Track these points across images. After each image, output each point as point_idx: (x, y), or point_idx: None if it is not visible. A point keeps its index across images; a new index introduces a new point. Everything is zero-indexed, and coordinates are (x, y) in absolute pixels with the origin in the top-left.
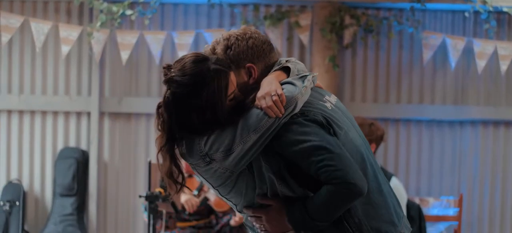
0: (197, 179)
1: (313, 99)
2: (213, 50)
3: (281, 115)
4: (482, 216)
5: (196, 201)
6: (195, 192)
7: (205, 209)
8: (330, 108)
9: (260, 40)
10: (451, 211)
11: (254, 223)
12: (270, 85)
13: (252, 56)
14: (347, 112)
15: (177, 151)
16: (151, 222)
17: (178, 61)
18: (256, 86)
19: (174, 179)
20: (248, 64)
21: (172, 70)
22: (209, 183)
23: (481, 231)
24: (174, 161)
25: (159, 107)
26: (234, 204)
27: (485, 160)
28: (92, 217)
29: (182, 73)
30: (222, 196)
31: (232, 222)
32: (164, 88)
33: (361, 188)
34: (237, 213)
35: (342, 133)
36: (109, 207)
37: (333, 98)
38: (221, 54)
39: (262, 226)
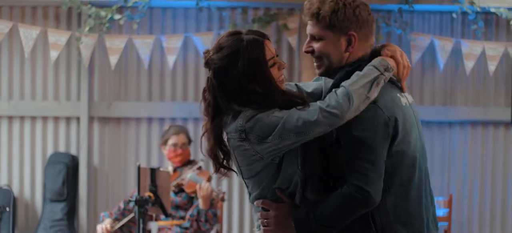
0: (179, 172)
1: (392, 91)
2: (318, 9)
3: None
4: (472, 216)
5: (108, 229)
6: (173, 183)
7: (189, 204)
8: (404, 105)
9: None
10: (441, 212)
11: (259, 216)
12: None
13: (357, 24)
14: (417, 114)
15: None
16: (141, 226)
17: (214, 43)
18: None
19: (217, 160)
20: (351, 32)
21: (210, 52)
22: (236, 160)
23: (471, 232)
24: (218, 142)
25: (204, 91)
26: (249, 192)
27: (474, 161)
28: (83, 222)
29: (218, 48)
30: (243, 178)
31: (201, 205)
32: (156, 92)
33: (374, 199)
34: (202, 189)
35: (403, 134)
36: (99, 212)
37: (410, 97)
38: (327, 16)
39: (266, 221)
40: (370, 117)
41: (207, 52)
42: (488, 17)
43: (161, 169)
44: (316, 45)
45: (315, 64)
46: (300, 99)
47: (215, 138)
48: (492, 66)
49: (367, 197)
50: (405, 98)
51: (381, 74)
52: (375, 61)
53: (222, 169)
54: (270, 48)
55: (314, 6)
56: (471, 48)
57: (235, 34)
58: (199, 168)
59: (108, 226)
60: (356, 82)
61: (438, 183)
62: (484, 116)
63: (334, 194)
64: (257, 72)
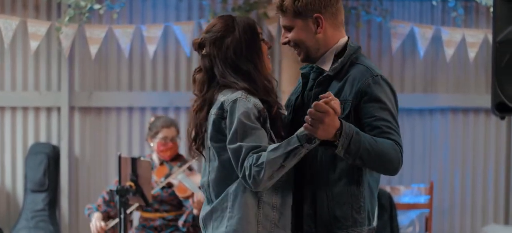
0: (167, 167)
1: None
2: (282, 1)
3: None
4: (453, 203)
5: (102, 227)
6: (162, 179)
7: (175, 200)
8: None
9: None
10: (422, 199)
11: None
12: None
13: (320, 6)
14: None
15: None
16: (122, 216)
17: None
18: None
19: (197, 134)
20: (316, 14)
21: (201, 35)
22: (210, 136)
23: (452, 218)
24: (207, 116)
25: (194, 73)
26: (208, 171)
27: (455, 148)
28: (64, 212)
29: (210, 28)
30: (208, 159)
31: (195, 212)
32: (136, 82)
33: (399, 168)
34: (197, 200)
35: None
36: (81, 202)
37: None
38: (291, 6)
39: (314, 120)
40: (385, 89)
41: (196, 38)
42: (467, 4)
43: (142, 158)
44: (289, 35)
45: (296, 52)
46: (275, 95)
47: (206, 111)
48: (472, 53)
49: (399, 162)
50: None
51: (301, 146)
52: (300, 131)
53: (193, 149)
54: (259, 27)
55: (279, 1)
56: (451, 35)
57: (226, 15)
58: (189, 168)
59: (102, 224)
60: (276, 149)
61: (419, 170)
62: (464, 103)
63: (383, 140)
64: (251, 40)
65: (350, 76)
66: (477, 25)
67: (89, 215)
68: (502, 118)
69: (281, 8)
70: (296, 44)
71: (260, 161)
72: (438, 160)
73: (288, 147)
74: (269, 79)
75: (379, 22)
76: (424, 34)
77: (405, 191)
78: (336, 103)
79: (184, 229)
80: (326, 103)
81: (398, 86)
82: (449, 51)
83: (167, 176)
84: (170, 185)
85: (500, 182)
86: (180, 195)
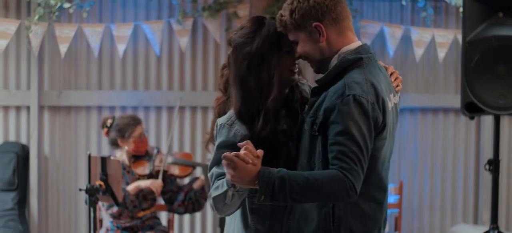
0: (144, 159)
1: (384, 91)
2: (281, 17)
3: None
4: (423, 203)
5: (160, 183)
6: (149, 170)
7: (149, 196)
8: (390, 109)
9: None
10: (392, 199)
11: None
12: None
13: (316, 14)
14: (396, 117)
15: None
16: (92, 215)
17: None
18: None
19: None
20: (315, 23)
21: (234, 31)
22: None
23: (421, 218)
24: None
25: (223, 67)
26: None
27: (424, 148)
28: (34, 211)
29: (240, 28)
30: None
31: (195, 186)
32: (106, 81)
33: (353, 197)
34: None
35: (386, 137)
36: (50, 201)
37: (396, 98)
38: (289, 20)
39: (229, 170)
40: (352, 110)
41: (232, 32)
42: (437, 4)
43: (112, 157)
44: (297, 49)
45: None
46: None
47: (217, 115)
48: (441, 53)
49: (351, 192)
50: (392, 102)
51: (229, 189)
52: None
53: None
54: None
55: (279, 18)
56: (420, 35)
57: (259, 18)
58: (158, 152)
59: (157, 185)
60: (217, 188)
61: (389, 170)
62: (434, 103)
63: (318, 172)
64: (268, 53)
65: (330, 90)
66: (446, 25)
67: None
68: (472, 118)
69: (282, 25)
70: (305, 57)
71: (211, 196)
72: (407, 160)
73: (223, 188)
74: (274, 98)
75: None
76: (393, 34)
77: None
78: (247, 153)
79: (181, 210)
80: (237, 155)
81: None
82: (419, 51)
83: (152, 164)
84: (165, 173)
85: (469, 182)
86: (182, 174)
